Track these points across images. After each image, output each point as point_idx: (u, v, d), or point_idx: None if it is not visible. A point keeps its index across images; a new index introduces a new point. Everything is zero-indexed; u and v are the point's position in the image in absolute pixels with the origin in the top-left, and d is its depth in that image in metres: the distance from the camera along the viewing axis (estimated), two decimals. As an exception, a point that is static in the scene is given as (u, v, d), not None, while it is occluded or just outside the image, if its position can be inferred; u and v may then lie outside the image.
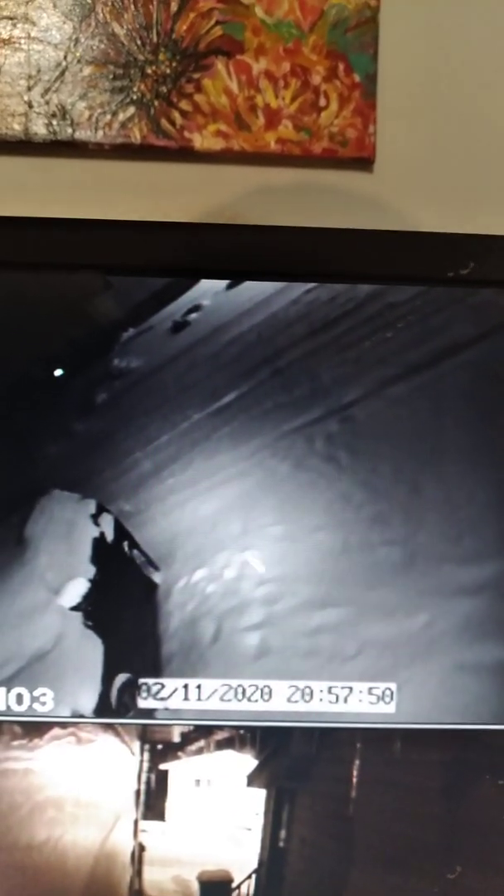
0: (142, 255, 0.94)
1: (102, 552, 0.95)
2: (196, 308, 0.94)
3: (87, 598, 0.95)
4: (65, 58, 1.04)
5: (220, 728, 0.97)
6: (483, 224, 1.04)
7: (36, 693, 0.95)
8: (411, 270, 0.94)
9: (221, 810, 0.99)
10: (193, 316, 0.94)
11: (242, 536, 0.95)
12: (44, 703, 0.95)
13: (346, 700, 0.95)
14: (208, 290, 0.94)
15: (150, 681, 0.95)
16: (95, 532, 0.95)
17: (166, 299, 0.94)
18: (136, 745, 0.97)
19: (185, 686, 0.95)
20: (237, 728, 0.97)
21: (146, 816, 0.98)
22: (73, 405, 0.94)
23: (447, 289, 0.94)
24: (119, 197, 1.06)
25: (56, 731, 0.96)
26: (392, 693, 0.95)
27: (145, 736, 0.97)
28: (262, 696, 0.95)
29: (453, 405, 0.96)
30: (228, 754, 0.98)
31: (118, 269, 0.94)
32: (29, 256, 0.93)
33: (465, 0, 1.07)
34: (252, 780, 0.98)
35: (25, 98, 1.03)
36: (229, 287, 0.94)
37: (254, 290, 0.94)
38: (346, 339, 0.94)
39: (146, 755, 0.98)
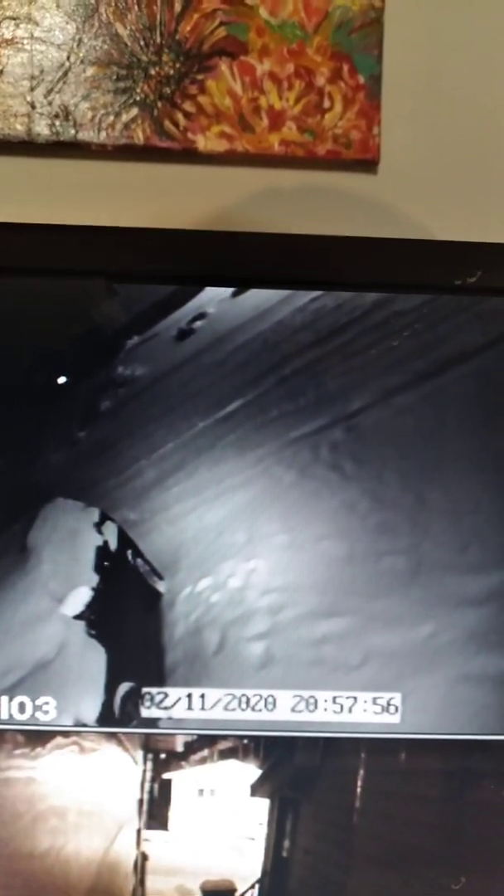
0: (147, 262, 0.94)
1: (106, 561, 0.94)
2: (201, 316, 0.93)
3: (91, 606, 0.94)
4: (68, 58, 1.03)
5: (224, 738, 0.97)
6: (489, 231, 1.05)
7: (38, 702, 0.94)
8: (418, 279, 0.94)
9: (224, 820, 0.98)
10: (199, 324, 0.93)
11: (247, 545, 0.94)
12: (46, 712, 0.94)
13: (350, 710, 0.95)
14: (213, 297, 0.93)
15: (154, 690, 0.95)
16: (99, 541, 0.94)
17: (171, 307, 0.93)
18: (140, 754, 0.97)
19: (189, 695, 0.95)
20: (241, 738, 0.97)
21: (149, 826, 0.98)
22: (77, 413, 0.94)
23: (454, 297, 0.94)
24: (122, 198, 1.06)
25: (59, 739, 0.96)
26: (397, 703, 0.95)
27: (148, 745, 0.97)
28: (265, 705, 0.95)
29: (459, 414, 0.95)
30: (232, 764, 0.98)
31: (124, 277, 0.93)
32: (34, 262, 0.93)
33: (470, 2, 1.07)
34: (255, 789, 0.98)
35: (28, 98, 1.03)
36: (234, 295, 0.93)
37: (259, 297, 0.93)
38: (351, 347, 0.94)
39: (149, 764, 0.97)
